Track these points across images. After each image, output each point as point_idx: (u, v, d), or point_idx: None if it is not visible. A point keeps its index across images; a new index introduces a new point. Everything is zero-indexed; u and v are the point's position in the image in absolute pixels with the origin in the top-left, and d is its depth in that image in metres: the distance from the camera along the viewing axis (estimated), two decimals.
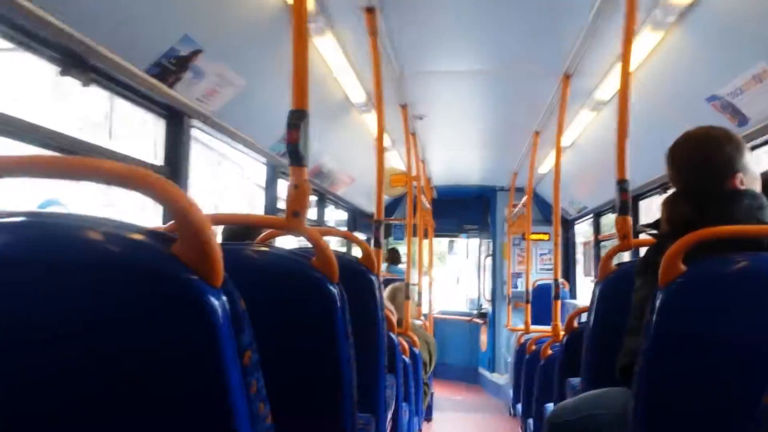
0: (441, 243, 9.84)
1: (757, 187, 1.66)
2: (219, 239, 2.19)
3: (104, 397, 0.74)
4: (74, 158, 0.78)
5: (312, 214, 5.67)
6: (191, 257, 0.74)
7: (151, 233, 0.77)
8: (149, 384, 0.74)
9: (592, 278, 7.14)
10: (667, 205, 1.66)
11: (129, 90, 2.50)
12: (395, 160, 6.34)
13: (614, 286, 2.17)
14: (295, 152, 1.49)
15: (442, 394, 7.31)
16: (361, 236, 7.22)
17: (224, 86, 2.90)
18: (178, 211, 0.75)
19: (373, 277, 2.12)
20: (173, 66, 2.52)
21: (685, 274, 1.43)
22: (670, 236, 1.54)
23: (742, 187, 1.61)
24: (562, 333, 3.35)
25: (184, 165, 2.88)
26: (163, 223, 2.70)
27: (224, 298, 0.77)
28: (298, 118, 1.50)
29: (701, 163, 1.64)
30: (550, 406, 2.89)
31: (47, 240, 0.75)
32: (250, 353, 0.80)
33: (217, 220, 1.63)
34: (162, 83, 2.53)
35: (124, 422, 0.75)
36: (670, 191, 4.30)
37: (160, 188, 0.75)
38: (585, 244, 8.21)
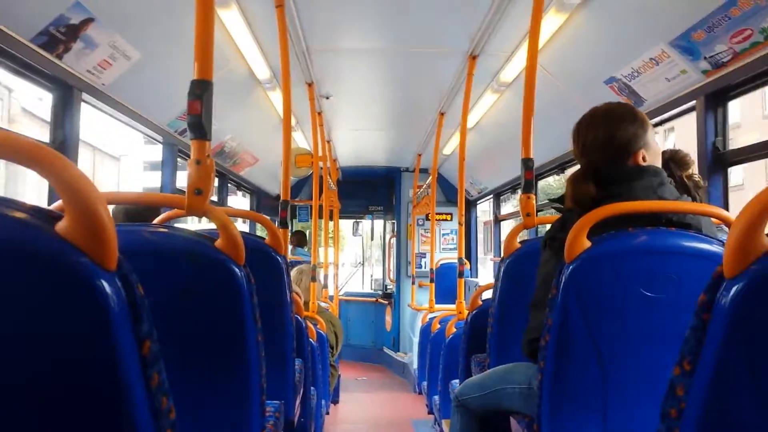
0: (346, 224, 9.82)
1: (658, 162, 1.72)
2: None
3: None
4: None
5: (212, 194, 5.47)
6: (81, 237, 0.66)
7: (34, 210, 0.68)
8: (38, 378, 0.66)
9: (492, 257, 7.38)
10: (572, 182, 1.70)
11: (13, 60, 2.28)
12: (300, 140, 6.23)
13: (518, 263, 2.22)
14: (197, 125, 1.39)
15: (348, 375, 7.35)
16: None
17: (117, 58, 2.71)
18: (68, 185, 0.67)
19: (280, 259, 2.06)
20: (62, 35, 2.32)
21: (589, 250, 1.48)
22: (575, 212, 1.59)
23: (644, 164, 1.67)
24: (466, 311, 3.42)
25: (75, 141, 2.68)
26: (49, 204, 2.51)
27: (119, 282, 0.69)
28: (201, 89, 1.40)
29: (605, 140, 1.68)
30: (456, 382, 2.95)
31: None
32: (150, 343, 0.73)
33: (111, 198, 1.51)
34: (49, 54, 2.33)
35: (12, 420, 0.66)
36: (569, 170, 4.47)
37: (47, 160, 0.67)
38: (485, 223, 8.47)
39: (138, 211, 2.00)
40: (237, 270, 1.33)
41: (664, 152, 2.01)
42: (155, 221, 1.81)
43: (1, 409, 0.66)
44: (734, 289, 0.77)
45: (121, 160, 28.54)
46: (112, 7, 2.48)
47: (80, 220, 0.67)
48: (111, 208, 2.16)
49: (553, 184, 14.70)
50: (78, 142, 2.72)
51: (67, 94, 2.63)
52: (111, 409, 0.68)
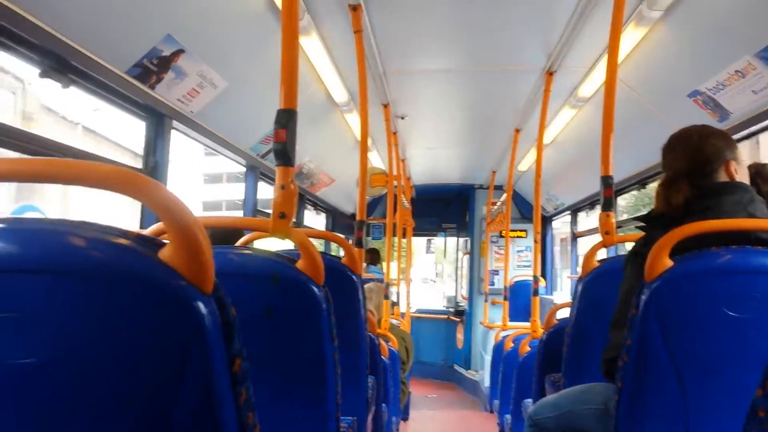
0: (419, 241, 9.85)
1: (747, 181, 1.69)
2: None
3: (94, 405, 0.72)
4: (62, 161, 0.75)
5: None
6: (181, 263, 0.73)
7: (139, 238, 0.75)
8: (139, 392, 0.72)
9: (569, 274, 7.21)
10: (664, 187, 1.69)
11: (109, 91, 2.45)
12: (375, 160, 6.33)
13: (597, 282, 2.18)
14: (282, 152, 1.47)
15: (418, 392, 7.33)
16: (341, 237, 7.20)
17: (205, 87, 2.87)
18: (170, 214, 0.73)
19: (355, 278, 2.12)
20: (155, 66, 2.48)
21: (671, 270, 1.45)
22: (659, 227, 1.57)
23: (737, 178, 1.65)
24: (541, 329, 3.38)
25: (165, 167, 2.84)
26: (141, 227, 2.67)
27: (215, 304, 0.75)
28: (286, 118, 1.48)
29: (694, 150, 1.69)
30: (528, 402, 2.91)
31: (34, 246, 0.72)
32: (240, 361, 0.78)
33: (206, 223, 1.61)
34: (142, 84, 2.50)
35: None
36: (650, 186, 4.32)
37: (150, 191, 0.73)
38: (563, 239, 8.29)
39: (221, 233, 2.11)
40: (317, 290, 1.39)
41: (749, 167, 1.95)
42: (239, 242, 1.91)
43: (102, 422, 0.72)
44: None
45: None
46: (202, 38, 2.63)
47: (181, 247, 0.73)
48: None
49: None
50: (168, 167, 2.88)
51: (158, 122, 2.79)
52: (203, 424, 0.74)
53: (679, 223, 1.54)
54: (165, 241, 0.75)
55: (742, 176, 1.68)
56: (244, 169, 4.11)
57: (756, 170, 1.91)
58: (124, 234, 0.75)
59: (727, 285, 1.44)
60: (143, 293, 0.72)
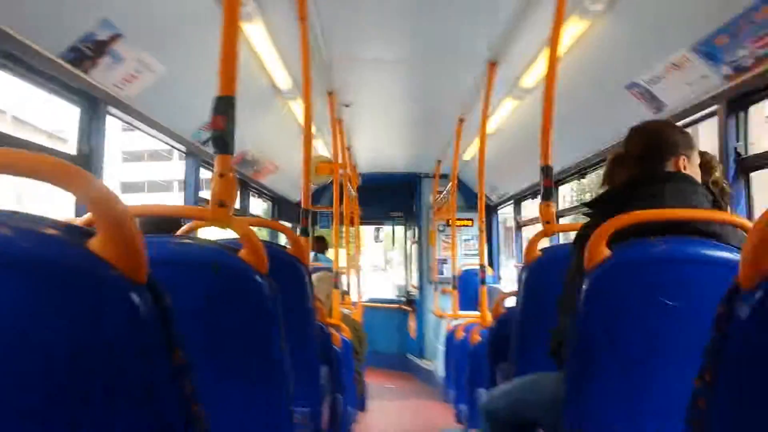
0: (367, 230, 9.85)
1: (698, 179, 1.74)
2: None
3: (23, 402, 0.68)
4: None
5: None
6: (112, 252, 0.69)
7: (67, 228, 0.71)
8: (73, 388, 0.68)
9: (516, 262, 7.34)
10: (612, 163, 1.73)
11: (41, 75, 2.34)
12: (321, 148, 6.28)
13: (540, 271, 2.21)
14: (220, 140, 1.43)
15: (374, 382, 7.33)
16: (285, 224, 7.13)
17: (143, 72, 2.77)
18: (98, 202, 0.69)
19: (302, 267, 2.09)
20: (90, 51, 2.39)
21: (608, 260, 1.48)
22: (604, 213, 1.59)
23: (684, 171, 1.69)
24: (490, 318, 3.42)
25: (101, 153, 2.74)
26: (76, 216, 2.56)
27: (149, 294, 0.72)
28: (225, 105, 1.44)
29: (652, 137, 1.74)
30: (482, 391, 2.94)
31: None
32: (179, 351, 0.75)
33: (137, 211, 1.54)
34: (76, 69, 2.39)
35: (48, 428, 0.69)
36: (589, 176, 4.41)
37: (76, 178, 0.70)
38: (507, 229, 8.44)
39: (162, 222, 2.04)
40: (261, 279, 1.36)
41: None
42: (179, 232, 1.85)
43: (35, 422, 0.68)
44: (752, 299, 0.77)
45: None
46: (140, 23, 2.54)
47: (111, 236, 0.69)
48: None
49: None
50: (104, 154, 2.78)
51: (93, 107, 2.69)
52: (146, 417, 0.71)
53: (623, 208, 1.56)
54: (94, 230, 0.71)
55: (692, 174, 1.72)
56: (167, 147, 4.00)
57: (705, 161, 1.97)
58: (53, 224, 0.71)
59: (663, 274, 1.47)
60: (73, 284, 0.68)
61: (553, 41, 2.37)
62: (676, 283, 1.47)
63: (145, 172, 30.51)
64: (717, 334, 0.83)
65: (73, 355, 0.68)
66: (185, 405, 0.75)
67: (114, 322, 0.69)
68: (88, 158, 2.69)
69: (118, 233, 0.70)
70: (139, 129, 3.30)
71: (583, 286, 1.49)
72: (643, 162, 1.70)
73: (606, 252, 1.48)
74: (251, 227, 1.43)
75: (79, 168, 0.70)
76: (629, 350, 1.48)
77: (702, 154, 2.01)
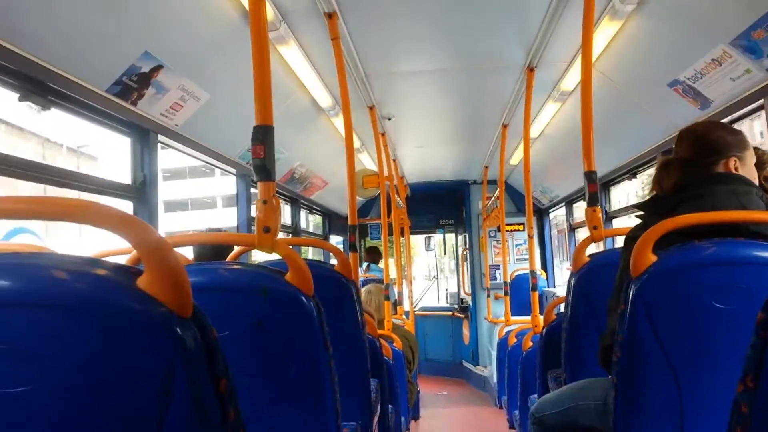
0: (419, 239, 9.86)
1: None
2: (190, 258, 2.18)
3: None
4: (34, 198, 0.76)
5: (287, 219, 5.64)
6: (158, 289, 0.73)
7: (117, 268, 0.76)
8: (125, 421, 0.73)
9: (568, 266, 7.21)
10: (659, 169, 1.69)
11: (90, 110, 2.46)
12: (367, 162, 6.34)
13: (588, 276, 2.19)
14: (261, 167, 1.48)
15: (427, 390, 7.33)
16: (337, 239, 7.22)
17: (188, 100, 2.87)
18: (144, 243, 0.74)
19: (349, 284, 2.12)
20: (135, 83, 2.49)
21: (655, 264, 1.46)
22: (655, 214, 1.57)
23: (735, 172, 1.65)
24: (541, 324, 3.39)
25: (154, 181, 2.85)
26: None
27: (195, 327, 0.76)
28: (263, 134, 1.49)
29: (700, 137, 1.69)
30: (534, 397, 2.92)
31: (19, 280, 0.73)
32: (225, 381, 0.79)
33: (189, 240, 1.61)
34: (124, 101, 2.50)
35: None
36: (641, 176, 4.34)
37: (122, 223, 0.74)
38: (560, 231, 8.31)
39: (214, 248, 2.12)
40: (306, 300, 1.40)
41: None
42: (228, 258, 1.92)
43: None
44: None
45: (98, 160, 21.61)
46: (179, 52, 2.64)
47: (157, 274, 0.74)
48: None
49: None
50: (157, 180, 2.89)
51: (144, 138, 2.80)
52: None
53: (672, 212, 1.54)
54: (141, 268, 0.76)
55: (746, 175, 1.66)
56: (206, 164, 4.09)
57: (757, 156, 1.91)
58: (103, 264, 0.76)
59: (713, 277, 1.45)
60: (124, 322, 0.73)
61: (586, 44, 2.35)
62: (724, 286, 1.44)
63: (187, 189, 30.84)
64: (758, 340, 0.82)
65: (126, 387, 0.73)
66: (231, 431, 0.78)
67: (163, 357, 0.73)
68: (143, 185, 2.81)
69: (164, 270, 0.74)
70: (189, 155, 3.42)
71: (630, 292, 1.48)
72: (692, 165, 1.66)
73: (652, 258, 1.47)
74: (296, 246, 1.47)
75: (121, 211, 0.75)
76: (678, 355, 1.45)
77: (757, 150, 1.95)
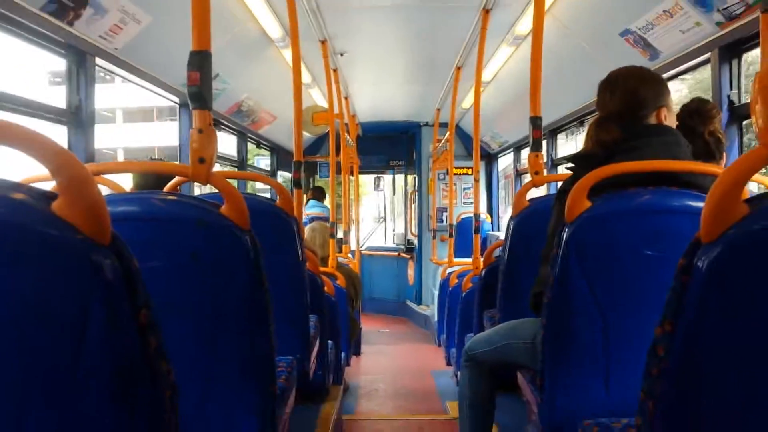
0: (368, 179, 9.85)
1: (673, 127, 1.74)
2: (128, 188, 2.12)
3: None
4: None
5: (233, 150, 5.52)
6: (75, 215, 0.70)
7: (31, 191, 0.72)
8: (42, 349, 0.71)
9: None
10: (596, 125, 1.71)
11: (25, 29, 2.31)
12: (318, 98, 6.22)
13: (528, 221, 2.24)
14: (197, 95, 1.42)
15: (371, 327, 7.48)
16: (286, 176, 7.14)
17: (128, 22, 2.73)
18: (57, 165, 0.70)
19: (291, 220, 2.11)
20: (71, 2, 2.35)
21: (589, 210, 1.49)
22: (586, 167, 1.60)
23: (666, 123, 1.69)
24: (481, 266, 3.46)
25: (90, 106, 2.73)
26: None
27: (113, 256, 0.73)
28: (199, 60, 1.43)
29: (630, 93, 1.70)
30: (470, 336, 3.00)
31: None
32: (146, 311, 0.77)
33: (125, 167, 1.55)
34: (60, 21, 2.36)
35: (15, 393, 0.71)
36: (589, 121, 4.43)
37: (34, 142, 0.70)
38: (507, 177, 8.43)
39: (154, 178, 2.07)
40: (241, 235, 1.38)
41: (689, 103, 1.99)
42: (165, 188, 1.87)
43: (6, 383, 0.71)
44: (710, 254, 0.79)
45: None
46: None
47: (74, 199, 0.71)
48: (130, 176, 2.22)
49: None
50: (94, 105, 2.77)
51: (80, 60, 2.67)
52: (111, 375, 0.73)
53: (605, 162, 1.57)
54: (57, 193, 0.72)
55: (671, 122, 1.72)
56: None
57: (696, 107, 1.94)
58: (20, 188, 0.72)
59: (645, 224, 1.49)
60: (37, 248, 0.70)
61: None
62: (655, 234, 1.49)
63: (157, 132, 26.34)
64: (677, 285, 0.85)
65: (38, 314, 0.70)
66: (149, 361, 0.77)
67: (80, 284, 0.71)
68: (78, 110, 2.69)
69: (81, 195, 0.71)
70: (130, 81, 3.28)
71: (564, 236, 1.51)
72: (626, 119, 1.69)
73: (587, 204, 1.50)
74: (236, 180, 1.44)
75: (35, 131, 0.71)
76: (606, 298, 1.51)
77: (704, 102, 1.99)
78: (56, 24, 2.36)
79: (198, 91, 1.41)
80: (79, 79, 2.67)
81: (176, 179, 1.87)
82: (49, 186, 0.81)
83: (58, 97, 2.74)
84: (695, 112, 1.95)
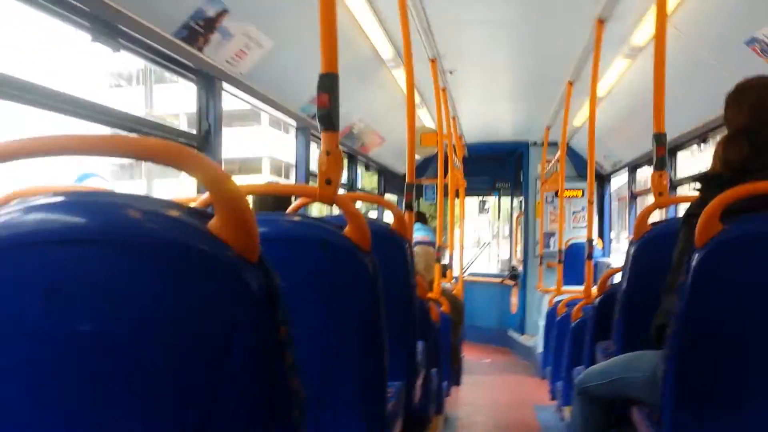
0: (472, 201, 9.75)
1: None
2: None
3: (145, 372, 0.75)
4: (109, 137, 0.78)
5: (342, 176, 5.64)
6: (228, 233, 0.75)
7: (188, 210, 0.77)
8: (190, 360, 0.75)
9: (627, 236, 7.03)
10: (723, 143, 1.61)
11: (158, 55, 2.49)
12: (426, 118, 6.25)
13: (650, 245, 2.12)
14: (326, 117, 1.46)
15: (471, 357, 7.33)
16: (392, 198, 7.21)
17: (252, 47, 2.87)
18: (213, 185, 0.75)
19: (404, 243, 2.11)
20: (201, 28, 2.50)
21: (721, 234, 1.39)
22: (715, 188, 1.50)
23: None
24: (594, 294, 3.32)
25: (218, 129, 2.88)
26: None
27: (261, 273, 0.77)
28: (328, 83, 1.47)
29: (765, 102, 1.60)
30: (580, 369, 2.88)
31: (94, 218, 0.75)
32: (285, 328, 0.80)
33: (250, 190, 1.62)
34: (191, 46, 2.52)
35: (166, 397, 0.75)
36: (717, 138, 4.18)
37: (192, 162, 0.76)
38: (620, 199, 8.09)
39: (273, 199, 2.15)
40: (362, 256, 1.40)
41: None
42: (289, 209, 1.93)
43: (155, 390, 0.75)
44: None
45: None
46: None
47: (228, 218, 0.75)
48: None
49: None
50: (221, 128, 2.92)
51: (209, 84, 2.83)
52: (254, 387, 0.77)
53: (736, 183, 1.46)
54: (212, 212, 0.77)
55: None
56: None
57: None
58: (176, 206, 0.77)
59: None
60: (193, 264, 0.75)
61: None
62: None
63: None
64: None
65: (193, 328, 0.75)
66: (286, 377, 0.80)
67: (230, 299, 0.75)
68: (207, 134, 2.85)
69: (234, 214, 0.75)
70: (251, 104, 3.45)
71: (693, 262, 1.42)
72: (756, 134, 1.57)
73: (719, 227, 1.40)
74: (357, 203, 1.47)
75: (193, 150, 0.77)
76: (743, 331, 1.40)
77: None
78: (187, 49, 2.51)
79: (327, 114, 1.45)
80: (208, 102, 2.83)
81: (300, 200, 1.93)
82: None
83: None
84: None
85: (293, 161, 4.18)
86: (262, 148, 24.02)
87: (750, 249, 1.40)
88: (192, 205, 0.93)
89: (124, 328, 0.74)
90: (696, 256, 1.41)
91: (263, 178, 23.56)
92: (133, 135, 2.39)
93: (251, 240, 0.76)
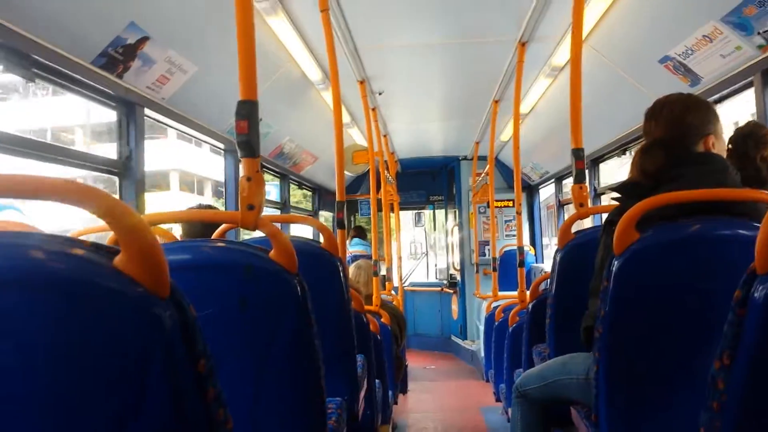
0: (408, 215, 9.86)
1: (723, 155, 1.71)
2: (178, 236, 2.17)
3: (55, 414, 0.72)
4: (9, 176, 0.75)
5: (275, 195, 5.62)
6: (135, 269, 0.72)
7: (94, 247, 0.75)
8: (102, 401, 0.72)
9: (557, 242, 7.23)
10: (641, 152, 1.69)
11: (76, 83, 2.42)
12: (358, 137, 6.30)
13: (574, 253, 2.20)
14: (245, 144, 1.46)
15: (416, 364, 7.40)
16: (327, 215, 7.21)
17: (175, 72, 2.83)
18: (113, 219, 0.72)
19: (336, 261, 2.12)
20: (120, 55, 2.45)
21: (638, 242, 1.47)
22: (632, 197, 1.57)
23: (714, 150, 1.66)
24: (527, 299, 3.41)
25: (141, 156, 2.82)
26: None
27: (173, 307, 0.75)
28: (247, 109, 1.47)
29: (677, 119, 1.69)
30: (520, 371, 2.95)
31: None
32: (204, 360, 0.79)
33: (171, 218, 1.60)
34: (110, 74, 2.47)
35: None
36: (634, 149, 4.37)
37: (98, 202, 0.73)
38: (549, 207, 8.34)
39: (203, 226, 2.12)
40: (289, 278, 1.39)
41: (743, 127, 1.95)
42: (214, 235, 1.91)
43: (73, 427, 0.72)
44: (766, 284, 0.77)
45: None
46: (166, 23, 2.60)
47: (134, 253, 0.73)
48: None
49: None
50: (144, 154, 2.86)
51: (130, 111, 2.76)
52: (171, 424, 0.74)
53: (652, 192, 1.54)
54: (118, 248, 0.75)
55: (720, 150, 1.69)
56: None
57: (750, 131, 1.90)
58: (81, 244, 0.74)
59: (695, 255, 1.45)
60: (100, 302, 0.72)
61: (576, 19, 2.33)
62: (707, 264, 1.45)
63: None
64: (735, 318, 0.83)
65: (102, 368, 0.72)
66: (207, 411, 0.78)
67: (141, 337, 0.73)
68: (128, 160, 2.78)
69: (140, 249, 0.73)
70: (176, 129, 3.39)
71: (613, 269, 1.48)
72: (672, 147, 1.66)
73: (635, 235, 1.47)
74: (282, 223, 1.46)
75: (98, 190, 0.73)
76: (660, 332, 1.47)
77: (759, 127, 1.95)
78: (106, 77, 2.46)
79: (247, 140, 1.45)
80: (129, 130, 2.76)
81: (224, 226, 1.91)
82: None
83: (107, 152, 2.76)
84: (748, 135, 1.90)
85: (206, 174, 4.12)
86: (169, 161, 22.92)
87: (664, 255, 1.47)
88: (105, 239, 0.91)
89: (31, 370, 0.71)
90: (615, 263, 1.48)
91: (171, 194, 22.33)
92: (50, 166, 2.32)
93: (160, 274, 0.73)
